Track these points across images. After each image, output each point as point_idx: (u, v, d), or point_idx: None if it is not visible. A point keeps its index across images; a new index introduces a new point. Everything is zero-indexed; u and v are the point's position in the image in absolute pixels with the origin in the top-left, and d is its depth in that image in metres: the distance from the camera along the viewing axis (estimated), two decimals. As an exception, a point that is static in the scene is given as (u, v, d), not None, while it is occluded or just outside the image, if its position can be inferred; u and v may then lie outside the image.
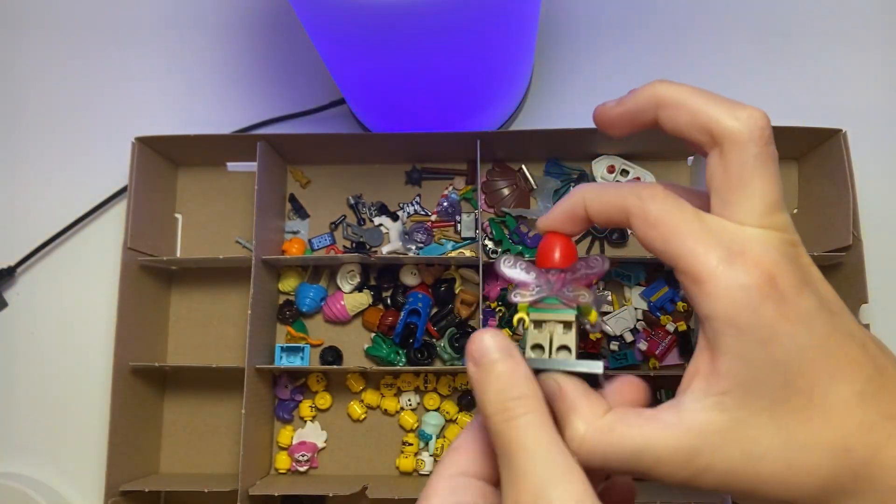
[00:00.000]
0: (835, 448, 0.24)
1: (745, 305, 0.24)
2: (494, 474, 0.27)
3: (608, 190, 0.28)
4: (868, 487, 0.24)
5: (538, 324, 0.30)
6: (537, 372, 0.27)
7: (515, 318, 0.30)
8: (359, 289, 0.66)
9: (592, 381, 0.28)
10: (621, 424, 0.26)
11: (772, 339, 0.24)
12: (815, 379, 0.24)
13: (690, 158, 0.67)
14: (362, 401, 0.65)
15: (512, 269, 0.30)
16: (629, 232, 0.66)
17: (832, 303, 0.26)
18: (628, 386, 0.28)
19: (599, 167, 0.66)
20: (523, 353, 0.28)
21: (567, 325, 0.29)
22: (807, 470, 0.24)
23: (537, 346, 0.29)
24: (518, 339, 0.65)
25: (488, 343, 0.27)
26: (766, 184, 0.26)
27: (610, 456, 0.25)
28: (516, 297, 0.30)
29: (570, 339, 0.29)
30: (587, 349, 0.63)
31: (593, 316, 0.29)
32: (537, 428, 0.25)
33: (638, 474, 0.26)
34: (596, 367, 0.27)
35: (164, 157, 0.67)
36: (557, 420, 0.27)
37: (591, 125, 0.31)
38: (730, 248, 0.25)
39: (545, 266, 0.30)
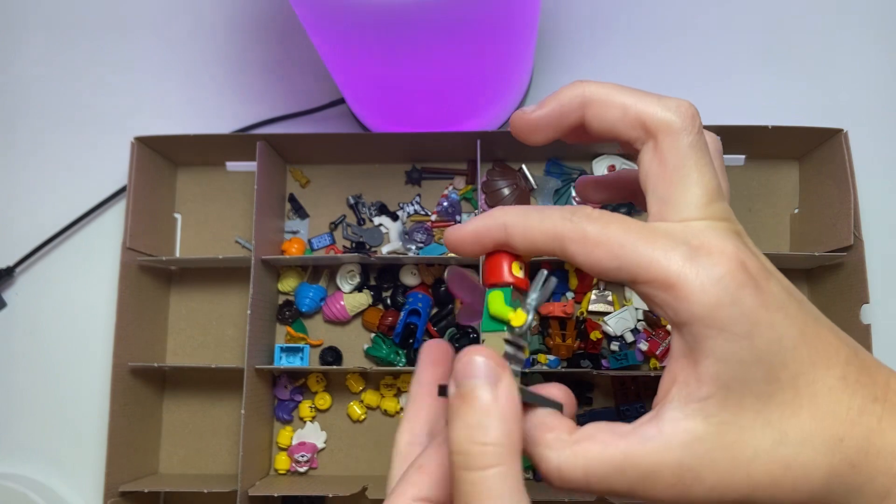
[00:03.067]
0: (827, 439, 0.23)
1: (724, 300, 0.22)
2: None
3: (532, 216, 0.25)
4: (868, 478, 0.23)
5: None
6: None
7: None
8: (359, 289, 0.66)
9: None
10: (595, 443, 0.24)
11: (754, 330, 0.23)
12: (798, 369, 0.23)
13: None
14: (362, 401, 0.65)
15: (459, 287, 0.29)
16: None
17: (793, 289, 0.25)
18: (554, 391, 0.26)
19: (600, 167, 0.66)
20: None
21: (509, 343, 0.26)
22: (804, 467, 0.23)
23: None
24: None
25: (476, 364, 0.23)
26: (704, 171, 0.25)
27: (592, 477, 0.23)
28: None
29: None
30: (588, 350, 0.63)
31: (518, 318, 0.26)
32: (501, 487, 0.22)
33: (627, 495, 0.24)
34: (555, 405, 0.25)
35: (163, 156, 0.67)
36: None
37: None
38: (689, 243, 0.23)
39: (493, 281, 0.27)
